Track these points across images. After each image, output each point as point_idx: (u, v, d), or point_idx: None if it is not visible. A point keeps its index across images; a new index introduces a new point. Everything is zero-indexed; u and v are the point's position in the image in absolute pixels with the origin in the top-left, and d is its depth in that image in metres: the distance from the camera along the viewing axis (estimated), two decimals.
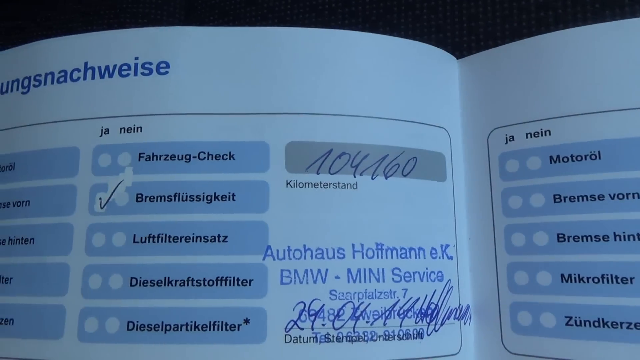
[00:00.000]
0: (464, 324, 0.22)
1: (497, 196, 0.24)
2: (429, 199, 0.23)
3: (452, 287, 0.22)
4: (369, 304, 0.21)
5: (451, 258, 0.23)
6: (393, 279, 0.21)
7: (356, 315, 0.21)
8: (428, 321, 0.21)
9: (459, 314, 0.22)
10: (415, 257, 0.22)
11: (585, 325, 0.21)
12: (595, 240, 0.21)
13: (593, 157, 0.22)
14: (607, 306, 0.20)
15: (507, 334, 0.22)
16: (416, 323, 0.21)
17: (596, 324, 0.20)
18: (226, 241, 0.21)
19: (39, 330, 0.21)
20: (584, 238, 0.21)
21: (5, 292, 0.22)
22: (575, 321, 0.21)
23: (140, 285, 0.21)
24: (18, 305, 0.21)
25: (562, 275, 0.21)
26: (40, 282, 0.21)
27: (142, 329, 0.20)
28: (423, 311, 0.21)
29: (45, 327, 0.21)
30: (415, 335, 0.21)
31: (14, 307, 0.22)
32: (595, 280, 0.21)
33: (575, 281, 0.21)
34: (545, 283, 0.22)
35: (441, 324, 0.22)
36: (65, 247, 0.22)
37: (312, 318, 0.20)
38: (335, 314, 0.20)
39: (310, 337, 0.20)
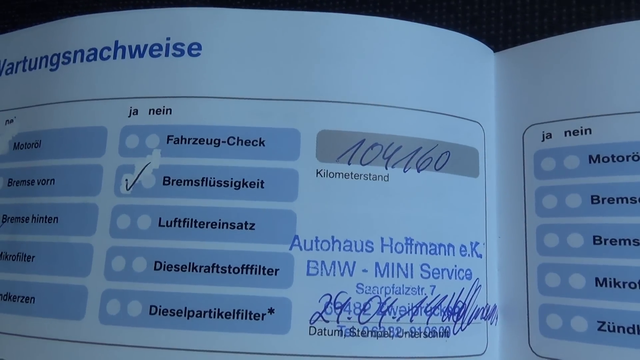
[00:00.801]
0: (491, 324, 0.22)
1: (530, 195, 0.23)
2: (460, 195, 0.22)
3: (480, 285, 0.22)
4: (396, 299, 0.20)
5: (480, 256, 0.22)
6: (421, 275, 0.21)
7: (382, 310, 0.20)
8: (455, 320, 0.21)
9: (486, 314, 0.22)
10: (445, 254, 0.21)
11: (618, 331, 0.20)
12: (634, 245, 0.20)
13: (635, 158, 0.21)
14: None
15: (534, 336, 0.22)
16: (443, 321, 0.21)
17: (630, 330, 0.20)
18: (253, 229, 0.20)
19: (60, 310, 0.21)
20: (622, 242, 0.21)
21: (28, 270, 0.22)
22: (609, 327, 0.20)
23: (164, 269, 0.20)
24: (40, 284, 0.21)
25: (597, 279, 0.21)
26: (63, 261, 0.21)
27: (164, 313, 0.20)
28: (450, 309, 0.21)
29: (67, 308, 0.21)
30: (441, 334, 0.20)
31: (36, 286, 0.21)
32: (632, 285, 0.20)
33: (611, 285, 0.20)
34: (579, 286, 0.21)
35: (468, 323, 0.21)
36: (90, 228, 0.21)
37: (338, 311, 0.20)
38: (362, 308, 0.20)
39: (335, 330, 0.20)
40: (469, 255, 0.22)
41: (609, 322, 0.20)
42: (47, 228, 0.22)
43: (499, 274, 0.23)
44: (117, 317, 0.20)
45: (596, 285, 0.21)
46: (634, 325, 0.20)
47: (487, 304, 0.22)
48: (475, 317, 0.21)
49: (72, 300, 0.21)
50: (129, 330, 0.20)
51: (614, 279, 0.20)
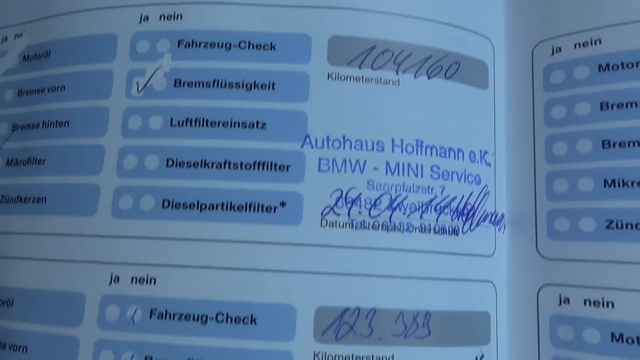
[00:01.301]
0: (499, 230, 0.22)
1: (539, 107, 0.23)
2: (469, 104, 0.22)
3: (488, 192, 0.22)
4: (406, 196, 0.20)
5: (489, 165, 0.22)
6: (431, 175, 0.21)
7: (393, 206, 0.20)
8: (464, 220, 0.21)
9: (494, 220, 0.22)
10: (454, 158, 0.21)
11: (627, 228, 0.20)
12: None
13: None
14: None
15: (542, 240, 0.22)
16: (452, 220, 0.21)
17: (639, 226, 0.20)
18: (265, 128, 0.21)
19: (72, 208, 0.21)
20: (630, 144, 0.21)
21: (38, 172, 0.22)
22: (617, 224, 0.20)
23: (176, 166, 0.20)
24: (51, 185, 0.21)
25: (605, 181, 0.21)
26: (74, 162, 0.21)
27: (177, 207, 0.20)
28: (459, 210, 0.21)
29: (79, 204, 0.21)
30: (450, 232, 0.21)
31: (47, 187, 0.21)
32: None
33: (619, 186, 0.21)
34: (587, 189, 0.21)
35: (477, 225, 0.21)
36: (101, 130, 0.21)
37: (349, 205, 0.20)
38: (372, 203, 0.20)
39: (346, 223, 0.20)
40: (477, 162, 0.22)
41: (617, 220, 0.20)
42: (58, 132, 0.22)
43: (507, 184, 0.23)
44: (129, 212, 0.20)
45: (605, 186, 0.21)
46: None
47: (495, 210, 0.22)
48: (483, 221, 0.22)
49: (84, 197, 0.21)
50: (142, 223, 0.20)
51: (622, 179, 0.21)
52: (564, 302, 0.21)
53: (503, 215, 0.23)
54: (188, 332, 0.19)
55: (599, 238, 0.21)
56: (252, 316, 0.19)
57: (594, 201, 0.21)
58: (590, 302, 0.21)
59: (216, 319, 0.19)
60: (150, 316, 0.20)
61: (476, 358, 0.21)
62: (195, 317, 0.20)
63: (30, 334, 0.21)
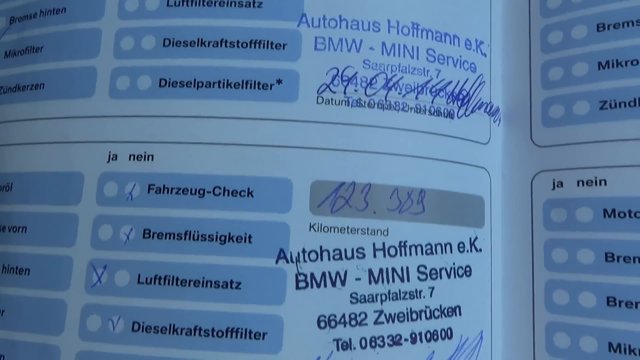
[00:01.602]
0: (494, 121, 0.22)
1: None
2: None
3: (484, 82, 0.22)
4: (402, 77, 0.21)
5: (485, 55, 0.22)
6: (427, 58, 0.21)
7: (389, 85, 0.20)
8: (459, 105, 0.21)
9: (489, 110, 0.22)
10: (450, 43, 0.21)
11: (620, 106, 0.20)
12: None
13: None
14: None
15: (537, 129, 0.22)
16: (447, 103, 0.21)
17: (632, 104, 0.20)
18: (261, 7, 0.21)
19: (70, 91, 0.21)
20: (625, 24, 0.21)
21: (36, 60, 0.22)
22: (610, 104, 0.21)
23: (172, 45, 0.21)
24: (49, 71, 0.22)
25: (600, 63, 0.21)
26: (71, 47, 0.21)
27: (174, 85, 0.20)
28: (455, 94, 0.21)
29: (77, 87, 0.21)
30: (445, 114, 0.21)
31: (45, 73, 0.22)
32: (635, 62, 0.20)
33: (613, 67, 0.21)
34: (582, 73, 0.21)
35: (472, 111, 0.21)
36: (98, 13, 0.21)
37: (345, 83, 0.20)
38: (368, 82, 0.20)
39: (342, 100, 0.20)
40: (473, 50, 0.22)
41: (611, 100, 0.21)
42: (55, 19, 0.22)
43: (503, 76, 0.23)
44: (126, 92, 0.21)
45: (599, 69, 0.21)
46: (635, 99, 0.20)
47: (490, 101, 0.22)
48: (479, 108, 0.22)
49: (82, 80, 0.21)
50: (139, 102, 0.20)
51: (616, 60, 0.21)
52: (558, 185, 0.21)
53: (498, 109, 0.23)
54: (186, 205, 0.20)
55: (592, 120, 0.21)
56: (249, 189, 0.20)
57: (588, 84, 0.21)
58: (583, 183, 0.21)
59: (213, 192, 0.20)
60: (149, 191, 0.20)
61: (470, 239, 0.21)
62: (193, 191, 0.20)
63: (29, 214, 0.21)
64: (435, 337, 0.20)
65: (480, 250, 0.21)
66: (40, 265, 0.20)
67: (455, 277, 0.20)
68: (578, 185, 0.21)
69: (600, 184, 0.20)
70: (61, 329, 0.19)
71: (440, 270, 0.20)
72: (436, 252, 0.20)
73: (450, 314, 0.20)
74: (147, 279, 0.19)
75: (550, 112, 0.22)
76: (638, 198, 0.20)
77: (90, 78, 0.21)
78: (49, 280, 0.20)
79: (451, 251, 0.20)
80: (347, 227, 0.20)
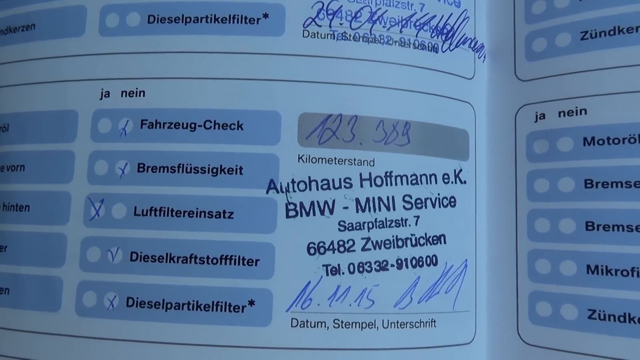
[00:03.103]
0: (479, 58, 0.23)
1: None
2: None
3: (468, 17, 0.22)
4: (387, 10, 0.21)
5: None
6: None
7: (373, 19, 0.21)
8: (443, 39, 0.22)
9: (474, 46, 0.23)
10: None
11: (601, 36, 0.21)
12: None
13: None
14: None
15: (520, 64, 0.23)
16: (431, 37, 0.21)
17: (611, 32, 0.21)
18: None
19: (60, 31, 0.21)
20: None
21: (26, 2, 0.22)
22: (591, 34, 0.21)
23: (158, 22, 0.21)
24: (39, 11, 0.22)
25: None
26: None
27: (162, 21, 0.21)
28: (439, 29, 0.22)
29: (67, 27, 0.21)
30: (430, 48, 0.21)
31: (36, 14, 0.22)
32: None
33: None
34: (564, 5, 0.22)
35: (456, 46, 0.22)
36: None
37: (330, 17, 0.20)
38: (353, 15, 0.21)
39: (327, 34, 0.20)
40: None
41: (592, 30, 0.21)
42: None
43: (488, 13, 0.23)
44: (116, 29, 0.21)
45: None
46: (614, 27, 0.21)
47: (475, 37, 0.23)
48: (463, 44, 0.22)
49: (72, 19, 0.21)
50: (129, 40, 0.21)
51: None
52: (540, 117, 0.22)
53: (483, 45, 0.23)
54: (178, 139, 0.20)
55: (574, 50, 0.21)
56: (238, 122, 0.20)
57: (570, 15, 0.22)
58: (564, 113, 0.21)
59: (204, 126, 0.20)
60: (141, 126, 0.21)
61: (454, 171, 0.22)
62: (184, 125, 0.20)
63: (26, 153, 0.21)
64: (420, 263, 0.20)
65: (465, 182, 0.22)
66: (39, 201, 0.21)
67: (440, 207, 0.21)
68: (559, 116, 0.22)
69: (580, 113, 0.21)
70: (62, 261, 0.20)
71: (426, 200, 0.21)
72: (421, 183, 0.21)
73: (435, 242, 0.21)
74: (143, 211, 0.20)
75: (534, 46, 0.22)
76: (616, 125, 0.20)
77: (79, 17, 0.21)
78: (48, 215, 0.21)
79: (436, 182, 0.21)
80: (335, 158, 0.20)
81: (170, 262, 0.20)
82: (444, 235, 0.21)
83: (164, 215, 0.20)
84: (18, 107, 0.22)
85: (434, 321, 0.20)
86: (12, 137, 0.22)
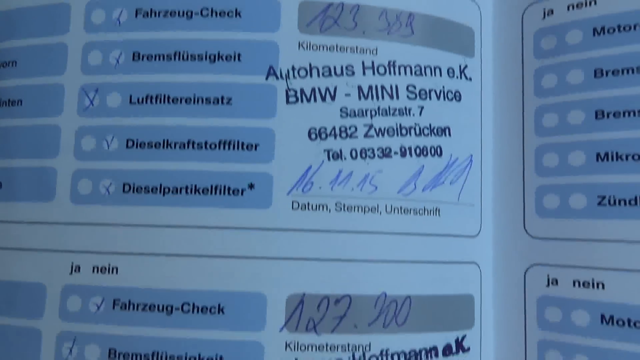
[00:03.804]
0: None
1: None
2: None
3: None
4: None
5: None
6: None
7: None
8: None
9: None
10: None
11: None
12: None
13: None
14: None
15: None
16: None
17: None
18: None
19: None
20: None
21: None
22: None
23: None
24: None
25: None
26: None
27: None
28: None
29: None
30: None
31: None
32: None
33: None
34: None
35: None
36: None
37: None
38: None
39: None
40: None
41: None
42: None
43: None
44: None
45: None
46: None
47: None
48: None
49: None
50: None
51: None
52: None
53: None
54: (174, 27, 0.20)
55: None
56: (236, 10, 0.20)
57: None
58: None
59: (201, 13, 0.20)
60: (136, 15, 0.20)
61: (460, 66, 0.21)
62: (181, 13, 0.20)
63: (17, 49, 0.21)
64: (425, 152, 0.20)
65: (470, 79, 0.21)
66: (32, 95, 0.20)
67: (444, 99, 0.21)
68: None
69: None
70: (56, 151, 0.20)
71: (430, 91, 0.20)
72: (425, 74, 0.20)
73: (439, 133, 0.20)
74: (138, 99, 0.19)
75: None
76: (626, 13, 0.20)
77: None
78: (42, 108, 0.20)
79: (440, 75, 0.21)
80: (336, 45, 0.20)
81: (167, 148, 0.19)
82: (448, 128, 0.20)
83: (160, 103, 0.19)
84: (6, 4, 0.21)
85: (438, 210, 0.20)
86: (2, 35, 0.21)
